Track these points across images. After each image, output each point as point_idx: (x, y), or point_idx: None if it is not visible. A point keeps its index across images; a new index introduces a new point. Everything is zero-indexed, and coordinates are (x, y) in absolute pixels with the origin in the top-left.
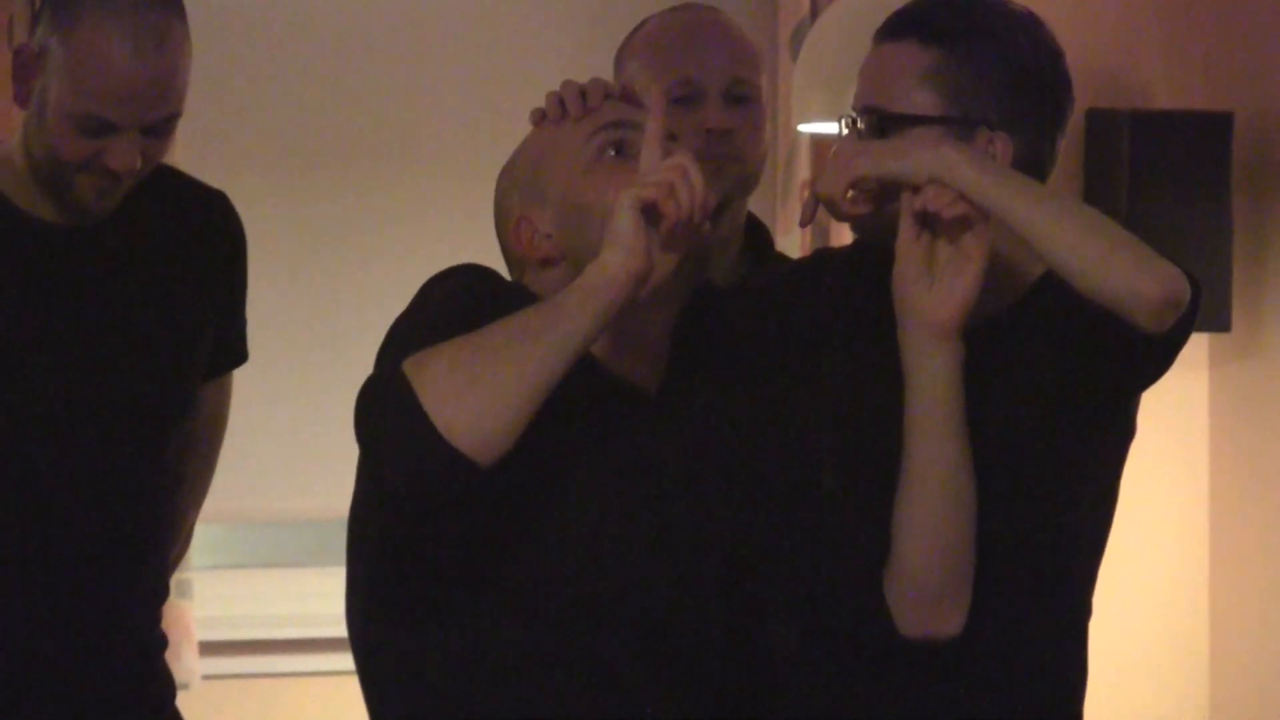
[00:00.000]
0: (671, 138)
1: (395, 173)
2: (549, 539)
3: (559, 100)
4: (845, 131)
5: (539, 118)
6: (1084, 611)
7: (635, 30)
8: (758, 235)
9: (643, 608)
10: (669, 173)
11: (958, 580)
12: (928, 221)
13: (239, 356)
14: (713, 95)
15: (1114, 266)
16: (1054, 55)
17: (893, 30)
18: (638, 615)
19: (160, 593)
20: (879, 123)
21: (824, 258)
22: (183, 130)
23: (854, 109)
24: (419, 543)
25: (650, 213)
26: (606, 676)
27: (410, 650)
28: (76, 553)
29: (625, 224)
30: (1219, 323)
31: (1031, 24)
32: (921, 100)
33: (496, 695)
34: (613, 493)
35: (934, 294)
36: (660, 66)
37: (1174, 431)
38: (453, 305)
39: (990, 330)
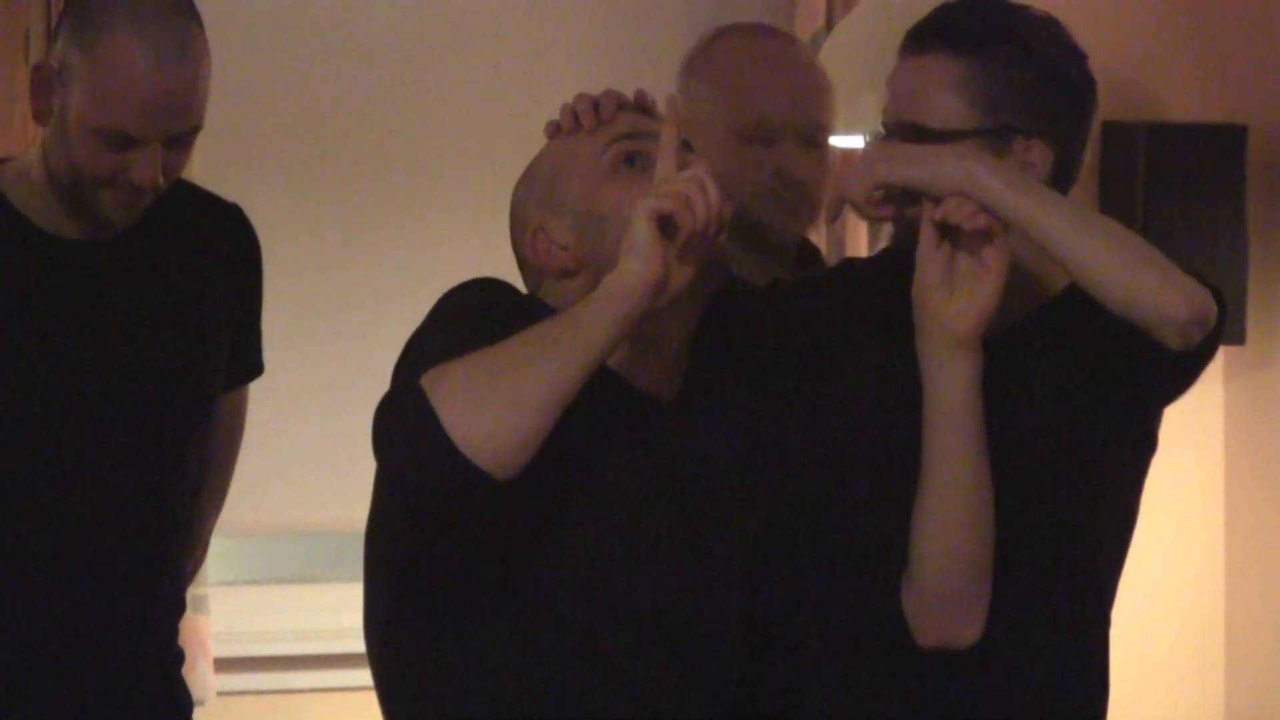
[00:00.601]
0: (687, 147)
1: (416, 184)
2: (568, 546)
3: (572, 112)
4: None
5: (553, 130)
6: (1103, 622)
7: (706, 46)
8: (808, 254)
9: (664, 612)
10: (685, 184)
11: (974, 589)
12: (948, 232)
13: (255, 369)
14: (789, 139)
15: (1141, 285)
16: (1079, 58)
17: (921, 42)
18: (659, 620)
19: (178, 606)
20: (918, 138)
21: (850, 267)
22: (199, 141)
23: (886, 123)
24: (438, 553)
25: (666, 223)
26: (627, 680)
27: (430, 661)
28: (95, 566)
29: (641, 235)
30: (1234, 335)
31: (1056, 28)
32: (957, 112)
33: (517, 704)
34: (632, 499)
35: (953, 303)
36: (734, 103)
37: (1189, 443)
38: (468, 318)
39: (1013, 338)
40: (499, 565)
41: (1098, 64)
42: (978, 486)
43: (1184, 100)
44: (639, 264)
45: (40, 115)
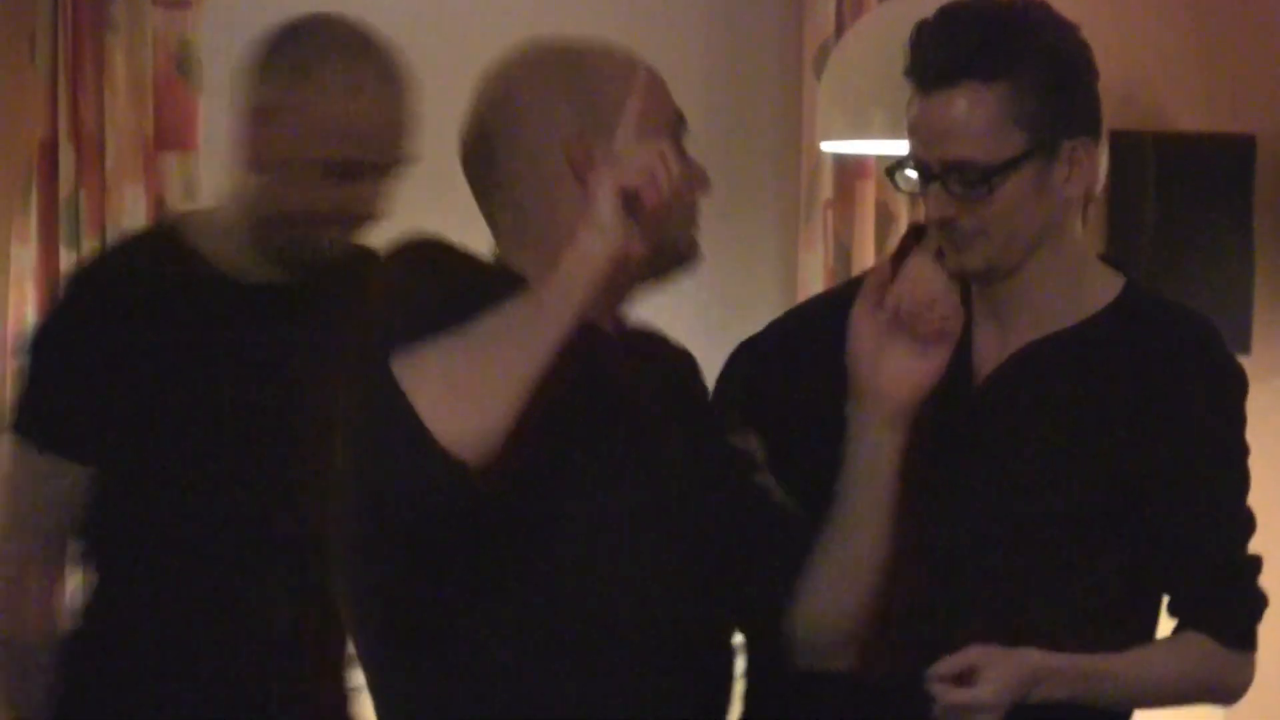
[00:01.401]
0: (680, 121)
1: (416, 194)
2: (557, 561)
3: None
4: (930, 188)
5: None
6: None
7: None
8: None
9: (657, 626)
10: (648, 158)
11: (846, 630)
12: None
13: None
14: None
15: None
16: (1073, 29)
17: (945, 76)
18: (653, 634)
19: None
20: (983, 177)
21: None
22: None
23: (922, 162)
24: (426, 579)
25: (629, 198)
26: (621, 694)
27: (421, 680)
28: (296, 611)
29: (605, 208)
30: (1240, 344)
31: (1049, 12)
32: (1005, 140)
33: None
34: (622, 511)
35: (889, 375)
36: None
37: None
38: (420, 294)
39: (1067, 343)
40: (485, 588)
41: (1106, 74)
42: (872, 547)
43: (1192, 110)
44: (601, 238)
45: (254, 163)
